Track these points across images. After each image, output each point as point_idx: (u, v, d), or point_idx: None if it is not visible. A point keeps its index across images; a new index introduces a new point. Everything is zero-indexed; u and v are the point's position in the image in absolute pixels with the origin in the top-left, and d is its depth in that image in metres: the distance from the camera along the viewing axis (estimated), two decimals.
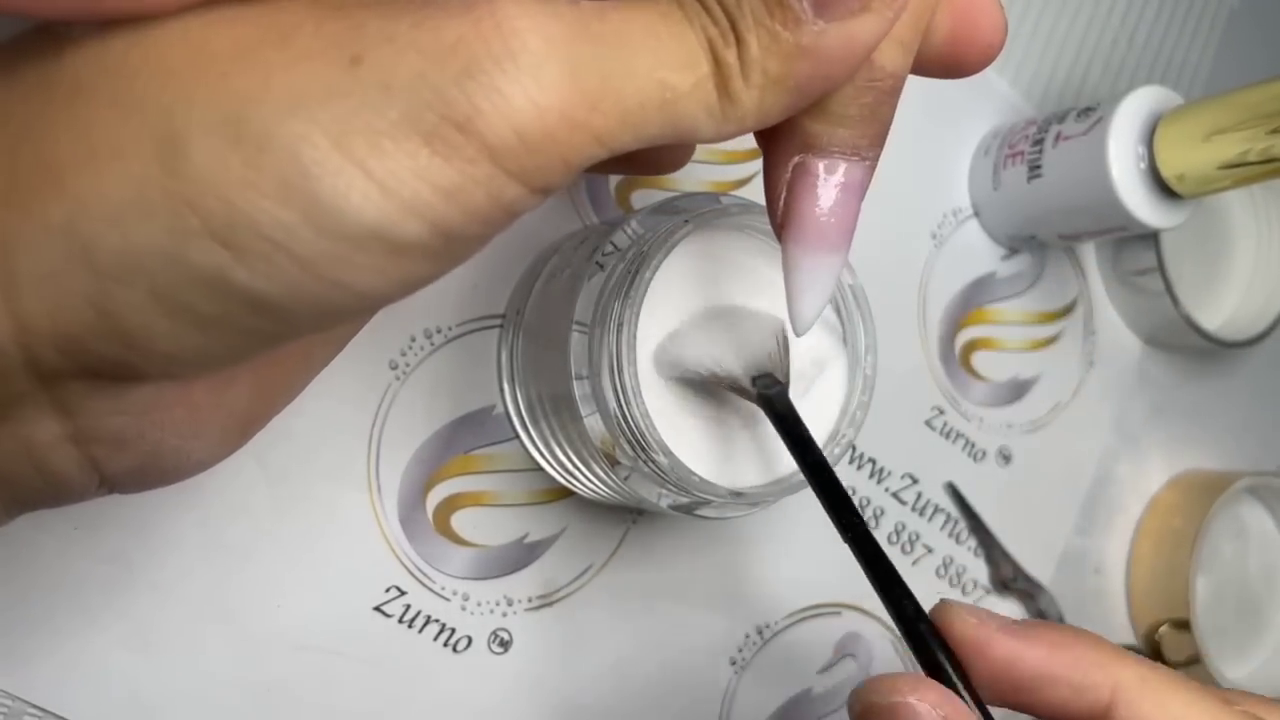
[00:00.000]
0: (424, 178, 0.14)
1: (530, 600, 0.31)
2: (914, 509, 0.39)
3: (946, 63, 0.19)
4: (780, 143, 0.19)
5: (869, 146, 0.18)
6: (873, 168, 0.19)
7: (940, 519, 0.40)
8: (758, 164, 0.36)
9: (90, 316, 0.14)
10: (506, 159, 0.14)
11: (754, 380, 0.24)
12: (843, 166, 0.18)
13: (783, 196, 0.19)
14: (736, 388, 0.24)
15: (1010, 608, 0.41)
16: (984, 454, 0.41)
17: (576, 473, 0.29)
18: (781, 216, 0.19)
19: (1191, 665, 0.41)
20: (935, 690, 0.19)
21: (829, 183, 0.18)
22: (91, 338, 0.15)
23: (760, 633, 0.35)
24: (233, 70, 0.14)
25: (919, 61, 0.19)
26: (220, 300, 0.14)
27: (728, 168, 0.35)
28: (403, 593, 0.29)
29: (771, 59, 0.16)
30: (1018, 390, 0.41)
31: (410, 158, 0.14)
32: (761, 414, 0.26)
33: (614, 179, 0.33)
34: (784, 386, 0.24)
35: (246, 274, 0.14)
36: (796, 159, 0.18)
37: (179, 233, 0.14)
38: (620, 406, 0.24)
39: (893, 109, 0.18)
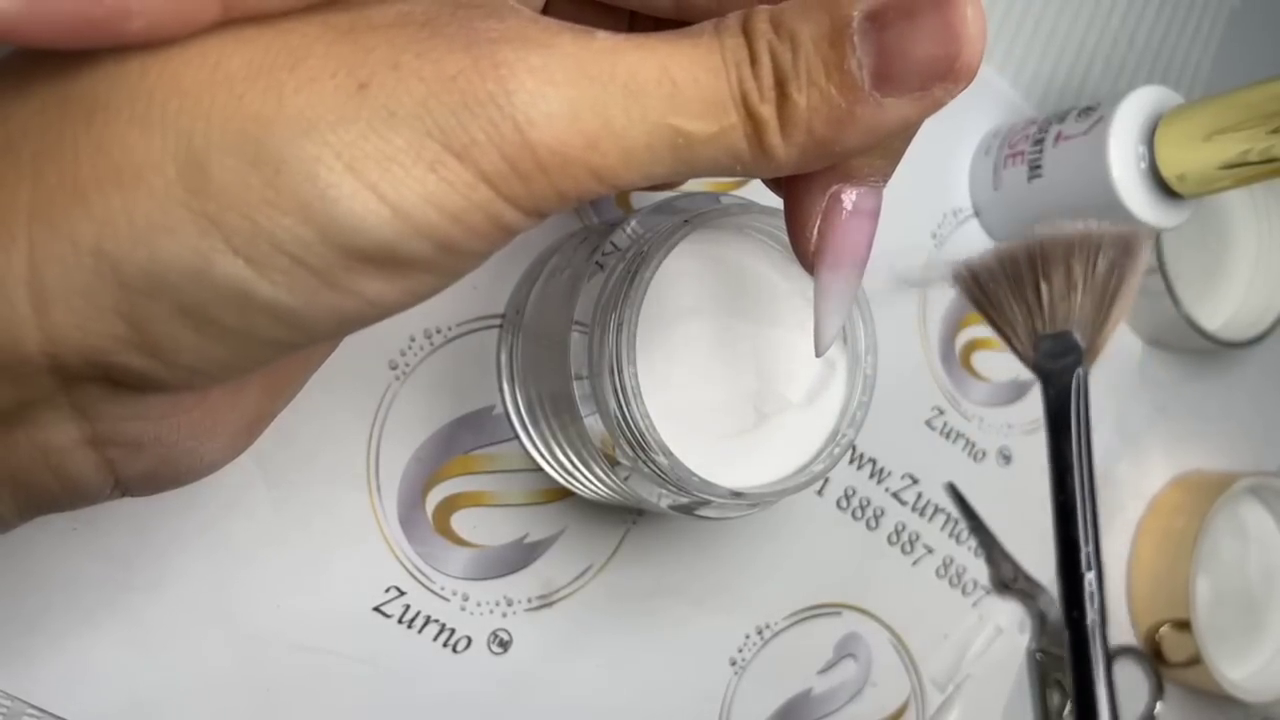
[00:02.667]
0: (431, 201, 0.15)
1: (530, 600, 0.31)
2: (914, 509, 0.39)
3: None
4: (816, 175, 0.19)
5: (892, 171, 0.19)
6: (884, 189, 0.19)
7: (940, 519, 0.40)
8: None
9: (119, 329, 0.15)
10: (501, 186, 0.15)
11: (1041, 340, 0.21)
12: (869, 193, 0.19)
13: (816, 225, 0.19)
14: (1010, 337, 0.21)
15: (1010, 608, 0.41)
16: (984, 454, 0.41)
17: (576, 473, 0.29)
18: (817, 245, 0.19)
19: (1192, 665, 0.41)
20: None
21: (858, 209, 0.19)
22: (119, 349, 0.15)
23: (760, 633, 0.35)
24: (247, 92, 0.14)
25: None
26: (244, 313, 0.15)
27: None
28: (402, 593, 0.29)
29: (819, 121, 0.16)
30: (1018, 390, 0.41)
31: (419, 183, 0.15)
32: (763, 414, 0.26)
33: None
34: (1082, 361, 0.20)
35: (269, 287, 0.15)
36: (833, 189, 0.19)
37: (204, 249, 0.14)
38: (620, 406, 0.24)
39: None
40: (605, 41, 0.15)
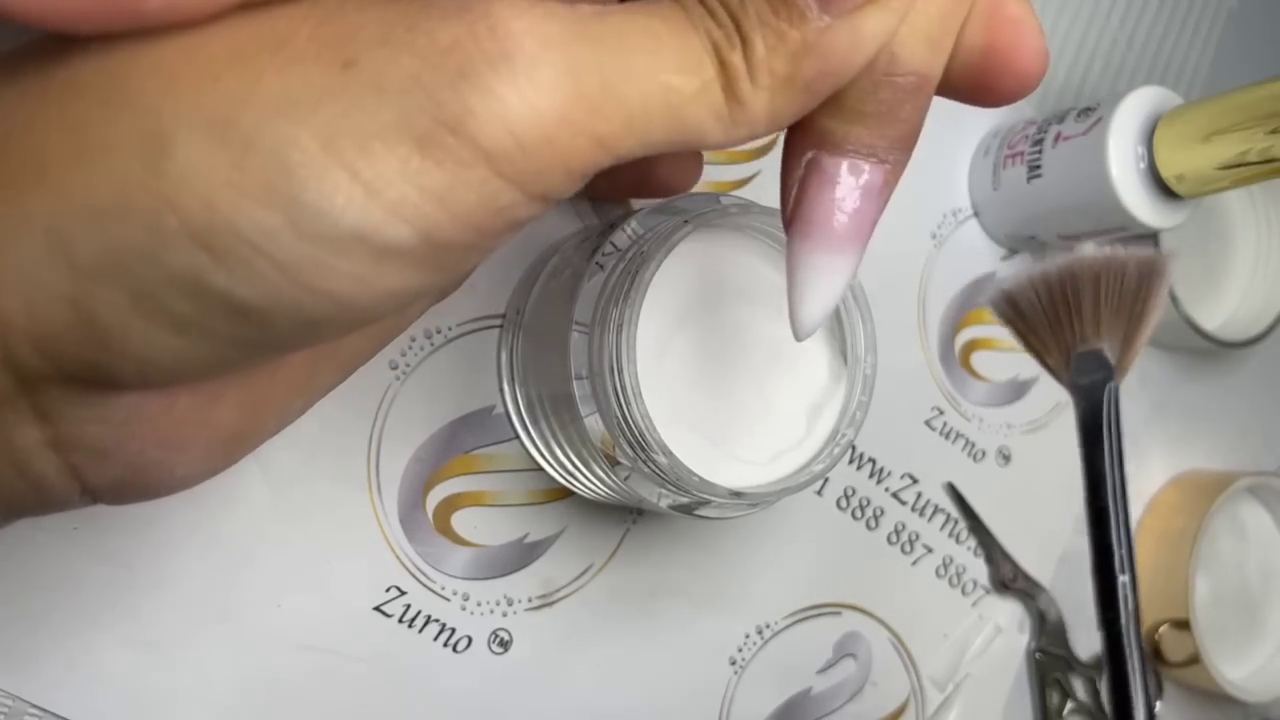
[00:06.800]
0: (413, 181, 0.14)
1: (530, 600, 0.31)
2: (914, 509, 0.39)
3: (977, 83, 0.18)
4: (796, 137, 0.18)
5: (888, 148, 0.18)
6: (895, 172, 0.18)
7: (940, 519, 0.40)
8: (758, 164, 0.36)
9: (67, 315, 0.14)
10: (502, 162, 0.14)
11: (1074, 359, 0.22)
12: (858, 167, 0.18)
13: (794, 192, 0.18)
14: (1044, 357, 0.22)
15: (1010, 607, 0.41)
16: (984, 454, 0.41)
17: (576, 473, 0.29)
18: (789, 212, 0.19)
19: (1191, 665, 0.41)
20: None
21: (841, 183, 0.18)
22: (68, 338, 0.14)
23: (760, 633, 0.35)
24: (225, 73, 0.14)
25: (947, 80, 0.18)
26: (198, 303, 0.14)
27: (728, 168, 0.35)
28: (403, 593, 0.30)
29: (778, 58, 0.16)
30: (1017, 390, 0.42)
31: (401, 161, 0.14)
32: (763, 414, 0.26)
33: None
34: (1113, 376, 0.22)
35: (225, 277, 0.14)
36: (809, 155, 0.18)
37: (157, 232, 0.14)
38: (620, 407, 0.24)
39: (918, 109, 0.17)
40: (590, 8, 0.15)
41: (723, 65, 0.16)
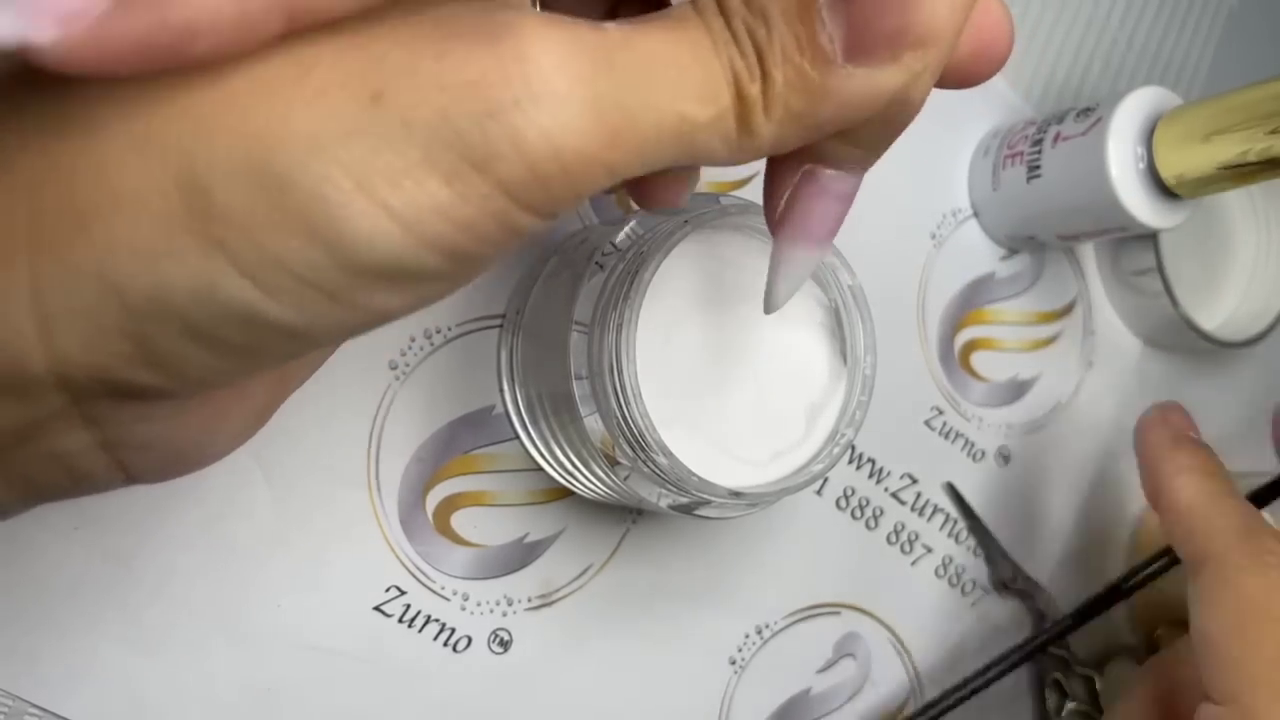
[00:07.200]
0: (442, 214, 0.14)
1: (530, 600, 0.31)
2: (913, 509, 0.39)
3: (961, 77, 0.19)
4: (793, 152, 0.19)
5: (874, 162, 0.19)
6: (865, 175, 0.20)
7: (939, 519, 0.40)
8: (757, 165, 0.36)
9: (125, 349, 0.15)
10: (520, 193, 0.15)
11: None
12: (845, 179, 0.19)
13: (784, 197, 0.19)
14: None
15: (1009, 607, 0.41)
16: (983, 454, 0.41)
17: (576, 473, 0.29)
18: (780, 215, 0.20)
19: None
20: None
21: (829, 191, 0.19)
22: (126, 367, 0.15)
23: (760, 633, 0.35)
24: (252, 108, 0.14)
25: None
26: (251, 332, 0.15)
27: (727, 168, 0.35)
28: (403, 592, 0.30)
29: (795, 95, 0.16)
30: (1017, 390, 0.42)
31: (430, 197, 0.14)
32: (762, 413, 0.26)
33: None
34: None
35: (277, 307, 0.15)
36: (806, 167, 0.19)
37: (209, 273, 0.14)
38: (620, 406, 0.24)
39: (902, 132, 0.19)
40: (618, 31, 0.15)
41: (739, 95, 0.16)
